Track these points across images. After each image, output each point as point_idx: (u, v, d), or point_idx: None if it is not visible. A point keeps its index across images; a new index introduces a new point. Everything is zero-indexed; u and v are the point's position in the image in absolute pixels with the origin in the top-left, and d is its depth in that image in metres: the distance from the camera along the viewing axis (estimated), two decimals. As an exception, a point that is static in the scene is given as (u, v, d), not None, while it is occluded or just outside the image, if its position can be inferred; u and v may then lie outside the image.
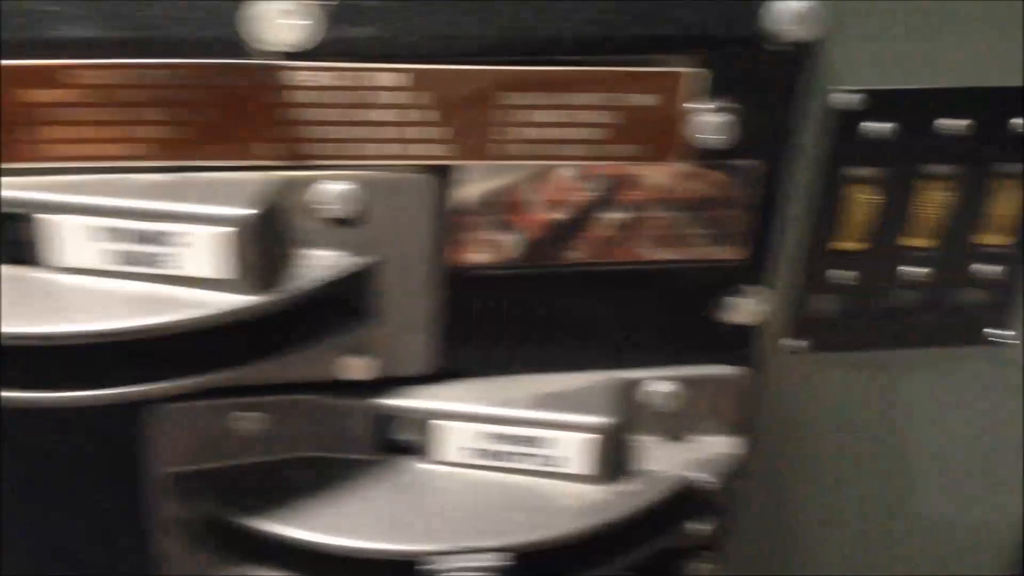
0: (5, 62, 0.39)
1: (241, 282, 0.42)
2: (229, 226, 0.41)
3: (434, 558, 0.48)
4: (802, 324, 0.55)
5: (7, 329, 0.40)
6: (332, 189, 0.45)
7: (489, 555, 0.48)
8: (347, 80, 0.43)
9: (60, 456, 0.51)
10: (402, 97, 0.43)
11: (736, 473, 0.55)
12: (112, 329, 0.40)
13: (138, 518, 0.53)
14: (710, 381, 0.54)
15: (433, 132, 0.44)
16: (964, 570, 0.66)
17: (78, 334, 0.40)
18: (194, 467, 0.51)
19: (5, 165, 0.41)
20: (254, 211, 0.41)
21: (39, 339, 0.40)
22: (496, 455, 0.51)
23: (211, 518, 0.52)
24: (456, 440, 0.51)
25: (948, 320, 0.56)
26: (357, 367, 0.50)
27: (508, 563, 0.48)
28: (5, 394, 0.42)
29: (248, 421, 0.50)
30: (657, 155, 0.47)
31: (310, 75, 0.42)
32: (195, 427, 0.50)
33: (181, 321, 0.41)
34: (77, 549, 0.54)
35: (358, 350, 0.49)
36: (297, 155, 0.44)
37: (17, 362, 0.43)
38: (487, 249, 0.49)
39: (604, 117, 0.46)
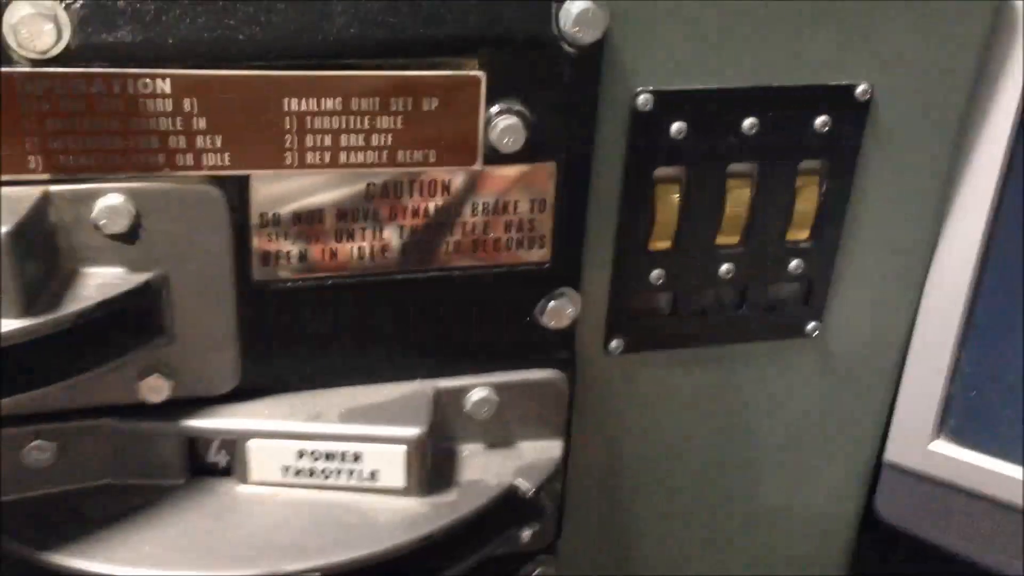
0: None
1: (12, 302, 0.40)
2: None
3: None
4: (618, 324, 0.55)
5: None
6: (106, 203, 0.43)
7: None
8: (111, 87, 0.41)
9: None
10: (168, 104, 0.42)
11: (557, 476, 0.54)
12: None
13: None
14: (526, 386, 0.54)
15: (210, 140, 0.43)
16: (800, 558, 0.67)
17: None
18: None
19: None
20: (6, 228, 0.39)
21: None
22: (310, 472, 0.50)
23: (11, 555, 0.49)
24: (268, 459, 0.50)
25: (764, 315, 0.57)
26: (156, 388, 0.48)
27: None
28: None
29: (41, 451, 0.48)
30: (451, 159, 0.47)
31: (68, 82, 0.40)
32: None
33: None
34: None
35: (157, 370, 0.48)
36: (69, 167, 0.42)
37: None
38: (286, 260, 0.48)
39: (395, 121, 0.45)
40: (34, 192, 0.42)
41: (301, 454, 0.49)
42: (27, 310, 0.40)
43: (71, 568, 0.47)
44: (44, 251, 0.41)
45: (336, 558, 0.47)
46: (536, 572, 0.59)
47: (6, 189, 0.41)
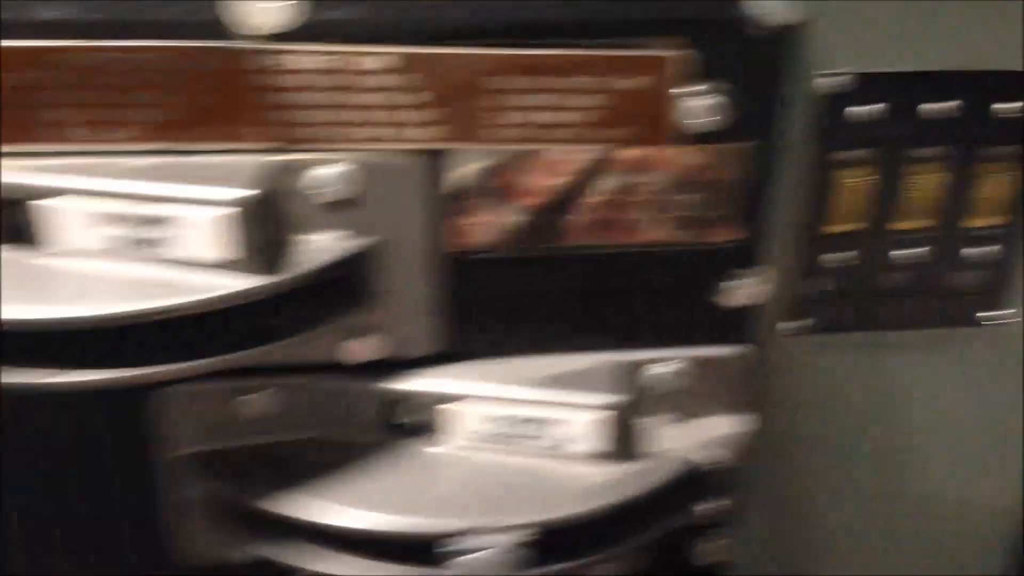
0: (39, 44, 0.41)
1: (242, 264, 0.43)
2: (229, 207, 0.42)
3: (450, 538, 0.48)
4: (798, 306, 0.55)
5: (9, 315, 0.41)
6: (327, 172, 0.46)
7: (505, 535, 0.48)
8: (334, 63, 0.44)
9: (68, 441, 0.53)
10: (390, 80, 0.44)
11: (742, 452, 0.55)
12: (112, 314, 0.41)
13: (150, 500, 0.54)
14: (713, 361, 0.54)
15: (422, 115, 0.45)
16: (965, 549, 0.65)
17: (79, 319, 0.41)
18: (202, 448, 0.52)
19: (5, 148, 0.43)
20: (254, 192, 0.42)
21: (41, 325, 0.41)
22: (505, 436, 0.52)
23: (222, 499, 0.53)
24: (465, 422, 0.52)
25: (941, 301, 0.56)
26: (361, 349, 0.51)
27: (523, 543, 0.49)
28: (8, 377, 0.43)
29: (254, 403, 0.51)
30: (647, 138, 0.48)
31: (295, 58, 0.43)
32: (203, 409, 0.52)
33: (181, 305, 0.42)
34: (89, 534, 0.56)
35: (362, 332, 0.50)
36: (288, 139, 0.45)
37: (21, 346, 0.44)
38: (486, 231, 0.50)
39: (593, 101, 0.47)
40: (263, 160, 0.45)
41: (498, 418, 0.52)
42: (256, 272, 0.44)
43: (283, 515, 0.50)
44: (272, 217, 0.44)
45: (534, 518, 0.49)
46: (711, 546, 0.60)
47: (238, 157, 0.44)
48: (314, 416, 0.53)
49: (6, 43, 0.41)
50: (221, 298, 0.43)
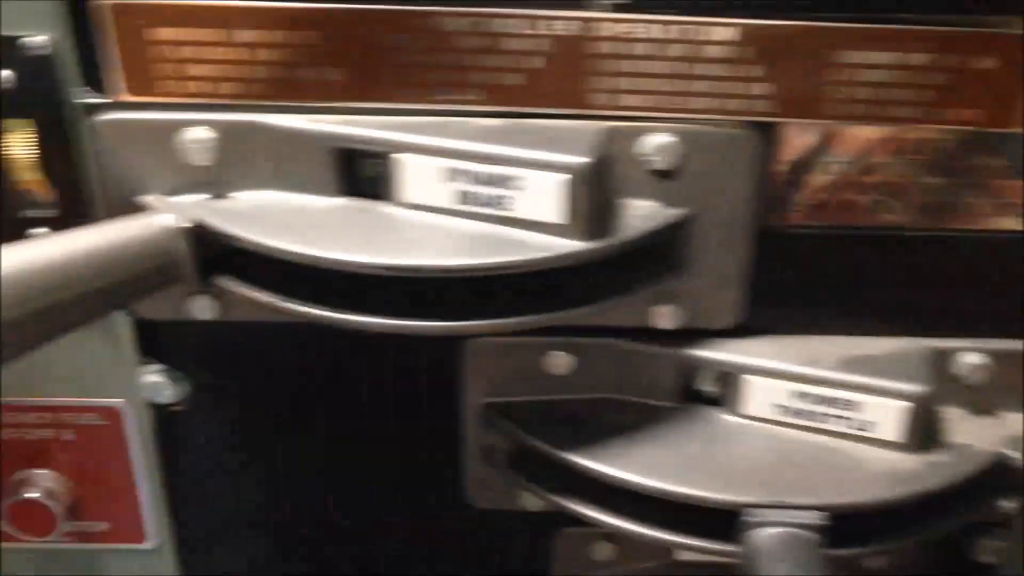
0: (361, 7, 0.43)
1: (573, 228, 0.45)
2: (565, 172, 0.44)
3: (750, 509, 0.49)
4: None
5: (356, 258, 0.44)
6: (655, 141, 0.46)
7: (807, 512, 0.48)
8: (675, 33, 0.44)
9: (382, 383, 0.56)
10: (729, 52, 0.44)
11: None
12: (457, 265, 0.44)
13: (453, 445, 0.57)
14: (1019, 356, 0.52)
15: (758, 88, 0.45)
16: None
17: (425, 267, 0.44)
18: (507, 399, 0.55)
19: (360, 104, 0.45)
20: (590, 159, 0.44)
21: (388, 270, 0.44)
22: (802, 413, 0.52)
23: (520, 448, 0.55)
24: (762, 395, 0.52)
25: None
26: (666, 316, 0.51)
27: (825, 522, 0.48)
28: (338, 319, 0.46)
29: (560, 361, 0.53)
30: (991, 121, 0.46)
31: (642, 27, 0.44)
32: (510, 362, 0.54)
33: (519, 261, 0.44)
34: (392, 471, 0.59)
35: (668, 300, 0.51)
36: (624, 106, 0.46)
37: (358, 290, 0.47)
38: (800, 207, 0.50)
39: (936, 78, 0.45)
40: (598, 127, 0.46)
41: (797, 395, 0.51)
42: (584, 236, 0.45)
43: (583, 467, 0.52)
44: (604, 183, 0.46)
45: (835, 499, 0.48)
46: (992, 545, 0.57)
47: (577, 123, 0.46)
48: (615, 377, 0.54)
49: (380, 7, 0.43)
50: (554, 258, 0.44)
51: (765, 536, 0.48)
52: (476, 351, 0.54)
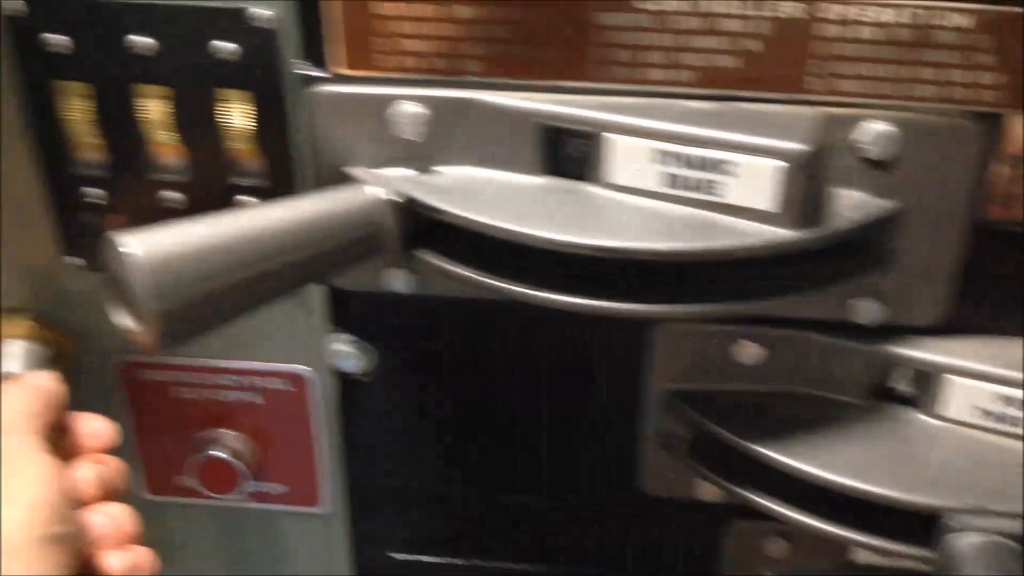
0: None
1: (784, 216, 0.44)
2: (783, 160, 0.43)
3: (950, 514, 0.47)
4: None
5: (566, 238, 0.44)
6: (873, 129, 0.45)
7: (1011, 521, 0.46)
8: (907, 17, 0.42)
9: (566, 365, 0.56)
10: (962, 38, 0.42)
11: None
12: (664, 249, 0.43)
13: (631, 429, 0.57)
14: None
15: (988, 77, 0.43)
16: None
17: (632, 250, 0.43)
18: (691, 387, 0.54)
19: (571, 83, 0.45)
20: (809, 146, 0.43)
21: (595, 251, 0.44)
22: (1006, 419, 0.50)
23: (702, 436, 0.54)
24: (963, 397, 0.50)
25: None
26: (866, 311, 0.50)
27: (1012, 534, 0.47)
28: (543, 295, 0.46)
29: (750, 351, 0.52)
30: None
31: (872, 10, 0.42)
32: (699, 350, 0.53)
33: (729, 248, 0.43)
34: (569, 452, 0.60)
35: (869, 294, 0.50)
36: (843, 92, 0.44)
37: (549, 270, 0.47)
38: (1020, 204, 0.47)
39: None
40: (815, 113, 0.45)
41: (1002, 398, 0.49)
42: (799, 224, 0.44)
43: (770, 459, 0.51)
44: (819, 170, 0.44)
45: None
46: None
47: (794, 108, 0.44)
48: (805, 370, 0.53)
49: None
50: (764, 247, 0.43)
51: (966, 543, 0.46)
52: (664, 337, 0.53)
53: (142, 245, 0.40)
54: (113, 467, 0.47)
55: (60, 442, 0.47)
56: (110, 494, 0.46)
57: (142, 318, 0.41)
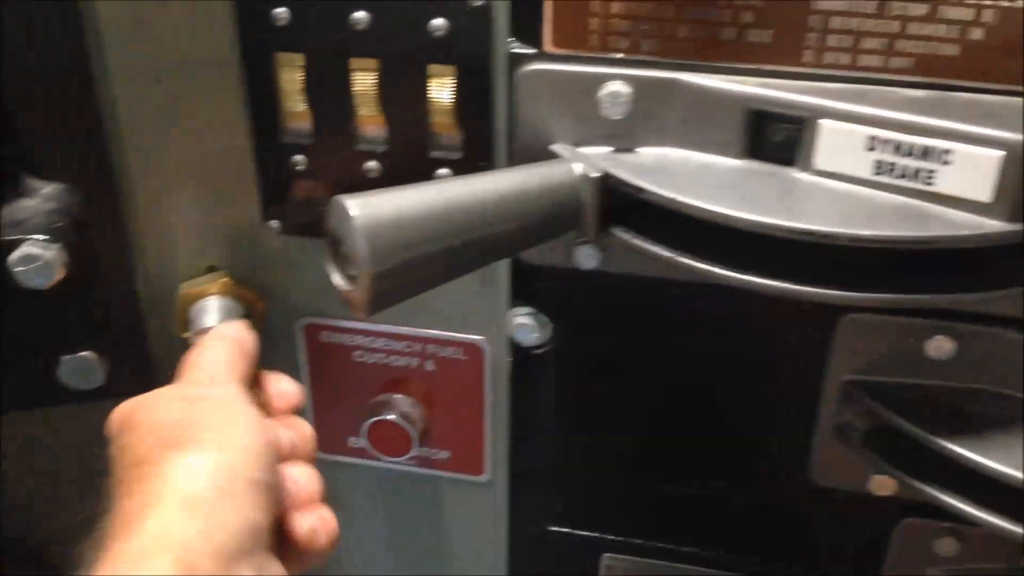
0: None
1: (998, 208, 0.43)
2: (1000, 149, 0.42)
3: None
4: None
5: (770, 220, 0.44)
6: None
7: None
8: None
9: (744, 349, 0.56)
10: None
11: None
12: (872, 236, 0.43)
13: (808, 418, 0.57)
14: None
15: None
16: None
17: (841, 235, 0.43)
18: (875, 378, 0.54)
19: (782, 68, 0.45)
20: (1024, 137, 0.42)
21: (801, 235, 0.44)
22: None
23: (882, 429, 0.54)
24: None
25: None
26: (1067, 310, 0.49)
27: None
28: (741, 276, 0.46)
29: (942, 345, 0.52)
30: None
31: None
32: (886, 341, 0.53)
33: (941, 237, 0.43)
34: (740, 437, 0.60)
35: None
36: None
37: (742, 252, 0.47)
38: None
39: None
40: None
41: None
42: (1014, 216, 0.43)
43: (957, 455, 0.50)
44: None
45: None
46: None
47: (1009, 99, 0.44)
48: (994, 368, 0.52)
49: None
50: (977, 237, 0.43)
51: None
52: (850, 326, 0.53)
53: (364, 208, 0.42)
54: (301, 429, 0.49)
55: (253, 395, 0.49)
56: (299, 455, 0.48)
57: (359, 278, 0.43)
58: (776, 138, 0.47)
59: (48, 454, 0.63)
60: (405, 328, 0.61)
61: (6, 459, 0.60)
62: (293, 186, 0.56)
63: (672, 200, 0.45)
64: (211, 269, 0.59)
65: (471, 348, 0.61)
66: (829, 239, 0.43)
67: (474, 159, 0.52)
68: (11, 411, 0.57)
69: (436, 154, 0.53)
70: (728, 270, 0.46)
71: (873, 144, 0.44)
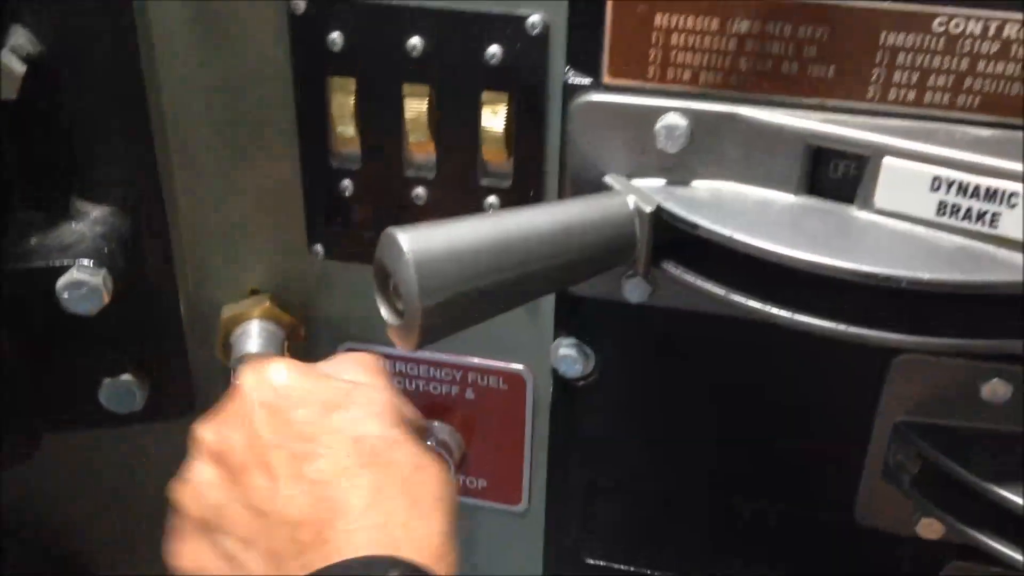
0: (872, 4, 0.42)
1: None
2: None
3: None
4: None
5: (830, 261, 0.43)
6: None
7: None
8: None
9: (793, 387, 0.55)
10: None
11: None
12: (934, 280, 0.42)
13: (856, 457, 0.56)
14: None
15: None
16: None
17: (903, 278, 0.42)
18: (928, 420, 0.52)
19: (844, 103, 0.44)
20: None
21: (863, 277, 0.43)
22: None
23: (933, 472, 0.53)
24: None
25: None
26: None
27: None
28: (795, 316, 0.45)
29: (998, 388, 0.50)
30: None
31: None
32: (941, 383, 0.51)
33: (1002, 283, 0.42)
34: (786, 475, 0.59)
35: None
36: None
37: (794, 292, 0.46)
38: None
39: None
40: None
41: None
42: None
43: (1012, 503, 0.49)
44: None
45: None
46: None
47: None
48: (1054, 413, 0.51)
49: (892, 4, 0.42)
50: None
51: None
52: (904, 367, 0.52)
53: (416, 242, 0.41)
54: None
55: None
56: None
57: (407, 313, 0.42)
58: (836, 175, 0.46)
59: (85, 473, 0.62)
60: (446, 355, 0.61)
61: (45, 478, 0.59)
62: (340, 211, 0.55)
63: (728, 238, 0.45)
64: (253, 292, 0.59)
65: (512, 377, 0.61)
66: (889, 282, 0.42)
67: (524, 188, 0.52)
68: (50, 432, 0.56)
69: (486, 182, 0.52)
70: (782, 309, 0.45)
71: (937, 184, 0.43)
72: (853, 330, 0.45)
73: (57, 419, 0.55)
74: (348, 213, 0.55)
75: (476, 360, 0.61)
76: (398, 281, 0.42)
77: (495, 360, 0.60)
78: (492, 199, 0.53)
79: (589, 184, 0.49)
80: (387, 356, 0.61)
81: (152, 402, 0.55)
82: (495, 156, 0.52)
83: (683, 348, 0.56)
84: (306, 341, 0.60)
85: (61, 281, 0.47)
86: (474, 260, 0.43)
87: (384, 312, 0.44)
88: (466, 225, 0.44)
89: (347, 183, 0.54)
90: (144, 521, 0.63)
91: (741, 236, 0.44)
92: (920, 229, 0.45)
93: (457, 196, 0.53)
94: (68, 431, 0.56)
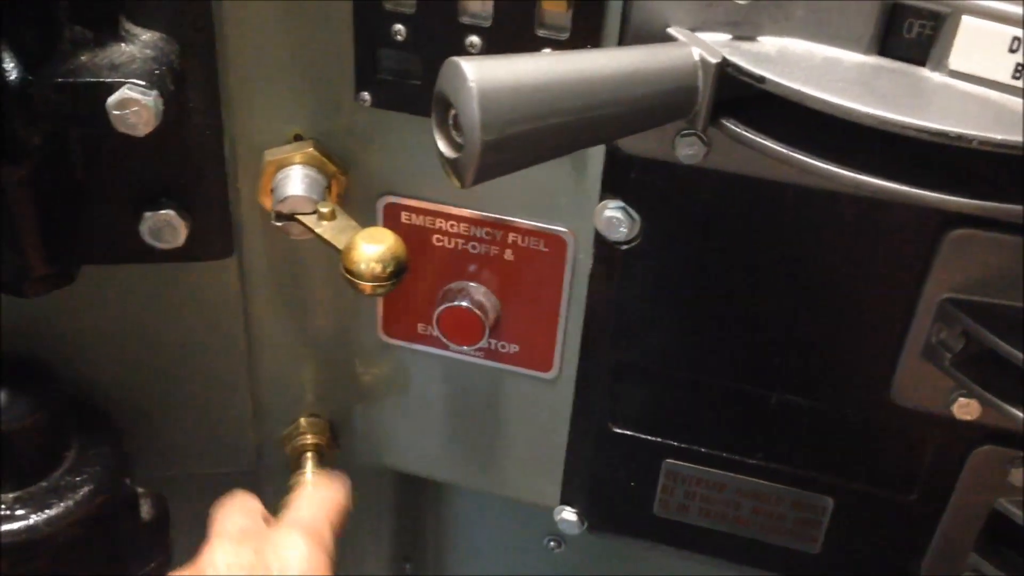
0: None
1: None
2: None
3: None
4: None
5: (900, 117, 0.42)
6: None
7: None
8: None
9: (840, 258, 0.55)
10: None
11: None
12: (1007, 141, 0.41)
13: (898, 335, 0.55)
14: None
15: None
16: None
17: (975, 137, 0.41)
18: (977, 298, 0.52)
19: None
20: None
21: (932, 135, 0.42)
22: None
23: (977, 351, 0.52)
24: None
25: None
26: None
27: None
28: (861, 177, 0.44)
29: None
30: None
31: None
32: (993, 259, 0.51)
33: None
34: (824, 349, 0.58)
35: None
36: None
37: (857, 152, 0.45)
38: None
39: None
40: None
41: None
42: None
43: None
44: None
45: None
46: None
47: None
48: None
49: None
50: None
51: None
52: (957, 243, 0.51)
53: (482, 72, 0.40)
54: None
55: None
56: None
57: (466, 146, 0.42)
58: (909, 34, 0.45)
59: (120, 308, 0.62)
60: (487, 213, 0.60)
61: (78, 312, 0.59)
62: (390, 57, 0.54)
63: (795, 91, 0.44)
64: (297, 137, 0.58)
65: (554, 239, 0.60)
66: (960, 141, 0.41)
67: (582, 40, 0.51)
68: (90, 263, 0.56)
69: (543, 33, 0.51)
70: (845, 169, 0.44)
71: (1016, 45, 0.42)
72: (916, 191, 0.44)
73: (97, 250, 0.54)
74: (398, 59, 0.54)
75: (518, 220, 0.60)
76: (459, 112, 0.41)
77: (537, 221, 0.60)
78: (548, 51, 0.52)
79: (651, 39, 0.48)
80: (427, 212, 0.60)
81: (193, 240, 0.54)
82: (554, 5, 0.50)
83: (733, 215, 0.55)
84: (346, 190, 0.59)
85: (112, 98, 0.46)
86: (537, 98, 0.42)
87: (441, 145, 0.43)
88: (531, 62, 0.43)
89: (399, 27, 0.53)
90: (168, 368, 0.64)
91: (808, 90, 0.43)
92: (994, 93, 0.43)
93: (513, 47, 0.51)
94: (108, 262, 0.55)
